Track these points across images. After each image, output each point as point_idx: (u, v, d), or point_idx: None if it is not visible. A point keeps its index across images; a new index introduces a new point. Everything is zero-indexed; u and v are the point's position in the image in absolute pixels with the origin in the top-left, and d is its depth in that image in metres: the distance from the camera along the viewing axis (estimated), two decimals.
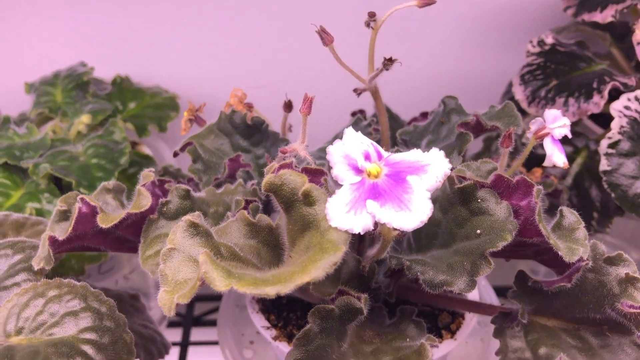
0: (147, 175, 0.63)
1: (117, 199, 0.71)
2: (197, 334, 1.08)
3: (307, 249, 0.44)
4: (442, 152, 0.48)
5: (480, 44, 1.18)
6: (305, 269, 0.41)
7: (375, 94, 0.73)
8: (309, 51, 1.16)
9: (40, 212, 0.86)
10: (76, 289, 0.61)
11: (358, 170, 0.47)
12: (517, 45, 1.19)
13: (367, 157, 0.47)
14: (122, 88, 1.05)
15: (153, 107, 1.06)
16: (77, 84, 1.01)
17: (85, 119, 0.93)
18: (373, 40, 0.69)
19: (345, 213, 0.45)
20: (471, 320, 0.72)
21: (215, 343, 1.04)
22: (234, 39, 1.16)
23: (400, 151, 0.77)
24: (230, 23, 1.14)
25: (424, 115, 0.88)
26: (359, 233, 0.44)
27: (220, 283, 0.42)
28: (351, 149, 0.47)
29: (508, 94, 1.06)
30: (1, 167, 0.89)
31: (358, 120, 0.80)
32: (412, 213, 0.44)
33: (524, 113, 0.94)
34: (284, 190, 0.47)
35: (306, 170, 0.52)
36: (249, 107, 0.78)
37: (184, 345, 1.03)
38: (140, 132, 1.00)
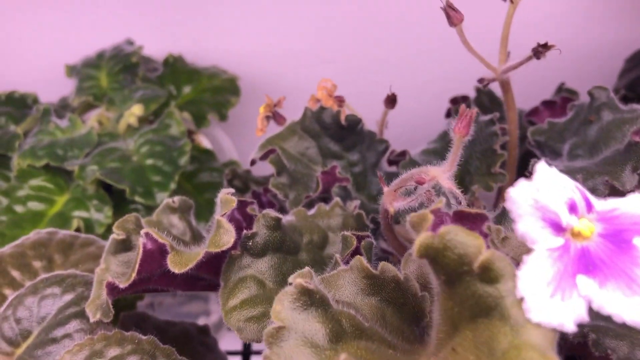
0: (228, 200, 0.49)
1: (185, 219, 0.58)
2: None
3: (491, 352, 0.30)
4: None
5: (588, 8, 1.00)
6: None
7: (506, 86, 0.57)
8: (390, 19, 1.00)
9: (88, 223, 0.73)
10: (142, 345, 0.48)
11: (559, 229, 0.32)
12: (634, 9, 1.00)
13: (573, 209, 0.32)
14: (176, 69, 0.91)
15: (211, 91, 0.91)
16: (124, 65, 0.87)
17: (136, 109, 0.79)
18: (510, 16, 0.53)
19: (549, 298, 0.30)
20: None
21: None
22: (298, 8, 1.00)
23: (537, 157, 0.61)
24: None
25: (548, 105, 0.72)
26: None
27: None
28: (548, 197, 0.32)
29: (631, 73, 0.89)
30: (43, 168, 0.76)
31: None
32: None
33: None
34: (447, 258, 0.32)
35: (461, 216, 0.37)
36: (340, 101, 0.63)
37: (246, 354, 0.91)
38: (199, 122, 0.86)
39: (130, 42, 0.92)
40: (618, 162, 0.50)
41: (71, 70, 0.90)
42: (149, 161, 0.75)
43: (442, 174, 0.40)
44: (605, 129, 0.57)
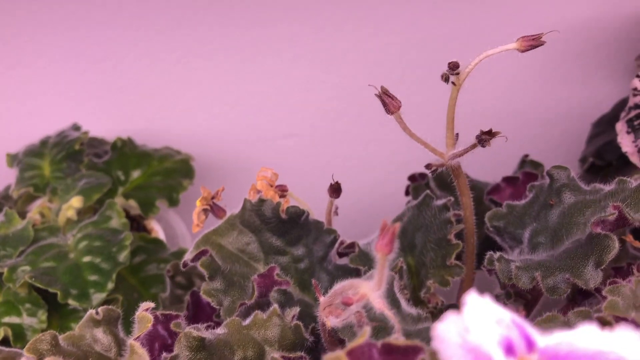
0: (144, 319, 0.43)
1: (111, 332, 0.52)
2: None
3: None
4: (637, 337, 0.27)
5: (550, 72, 0.98)
6: None
7: (455, 171, 0.53)
8: (348, 91, 0.97)
9: (19, 330, 0.67)
10: None
11: None
12: (599, 71, 0.98)
13: (510, 349, 0.27)
14: (124, 153, 0.87)
15: (162, 174, 0.87)
16: (67, 153, 0.82)
17: (74, 202, 0.74)
18: (454, 99, 0.50)
19: None
20: None
21: None
22: (256, 82, 0.97)
23: (497, 245, 0.57)
24: (251, 64, 0.95)
25: (509, 182, 0.67)
26: None
27: None
28: (480, 336, 0.26)
29: (598, 139, 0.85)
30: None
31: (427, 199, 0.59)
32: None
33: (632, 168, 0.73)
34: None
35: (390, 349, 0.31)
36: (282, 190, 0.58)
37: None
38: (146, 209, 0.81)
39: (76, 127, 0.88)
40: (580, 256, 0.45)
41: (13, 160, 0.86)
42: (86, 258, 0.69)
43: (372, 291, 0.35)
44: (567, 213, 0.52)
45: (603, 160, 0.80)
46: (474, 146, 0.48)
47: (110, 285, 0.67)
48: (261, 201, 0.56)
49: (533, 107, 1.00)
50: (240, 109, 0.99)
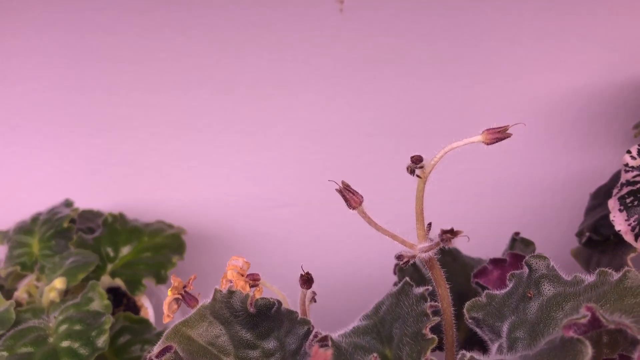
0: None
1: None
2: None
3: None
4: None
5: (548, 141, 0.96)
6: None
7: (429, 262, 0.51)
8: (338, 162, 0.96)
9: None
10: None
11: None
12: (598, 138, 0.96)
13: None
14: (114, 229, 0.86)
15: (152, 250, 0.86)
16: (56, 231, 0.82)
17: (58, 283, 0.74)
18: (421, 191, 0.48)
19: None
20: None
21: None
22: (249, 154, 0.97)
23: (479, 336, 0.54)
24: (244, 136, 0.96)
25: (497, 264, 0.65)
26: None
27: None
28: None
29: (595, 212, 0.83)
30: None
31: (406, 287, 0.57)
32: None
33: (626, 246, 0.70)
34: None
35: None
36: (254, 280, 0.57)
37: None
38: (133, 288, 0.80)
39: (68, 204, 0.88)
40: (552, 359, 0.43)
41: (3, 237, 0.86)
42: (65, 343, 0.68)
43: None
44: (545, 307, 0.50)
45: (600, 234, 0.77)
46: (437, 244, 0.46)
47: None
48: (230, 292, 0.54)
49: (532, 176, 0.98)
50: (233, 180, 0.99)
